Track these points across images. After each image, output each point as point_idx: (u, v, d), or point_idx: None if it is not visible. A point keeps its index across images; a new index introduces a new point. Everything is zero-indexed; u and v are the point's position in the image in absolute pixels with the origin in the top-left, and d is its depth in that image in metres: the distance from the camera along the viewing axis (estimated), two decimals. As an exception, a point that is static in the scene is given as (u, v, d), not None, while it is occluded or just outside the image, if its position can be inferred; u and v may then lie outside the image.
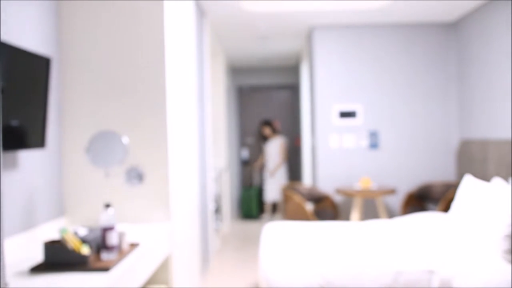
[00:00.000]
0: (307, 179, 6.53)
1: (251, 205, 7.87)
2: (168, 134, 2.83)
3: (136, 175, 2.47)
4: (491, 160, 4.34)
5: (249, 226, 7.22)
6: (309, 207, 5.27)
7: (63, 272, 1.87)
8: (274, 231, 3.77)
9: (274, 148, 7.72)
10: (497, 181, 3.54)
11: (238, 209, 8.41)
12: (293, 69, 8.38)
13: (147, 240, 2.41)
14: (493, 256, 2.98)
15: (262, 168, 8.21)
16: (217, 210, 5.60)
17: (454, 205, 3.84)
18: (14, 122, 2.09)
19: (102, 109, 2.82)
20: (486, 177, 4.38)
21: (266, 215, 7.85)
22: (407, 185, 5.34)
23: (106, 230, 2.03)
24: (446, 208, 4.56)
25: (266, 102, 8.72)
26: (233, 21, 5.15)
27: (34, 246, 2.30)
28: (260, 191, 8.11)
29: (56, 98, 2.74)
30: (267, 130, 7.85)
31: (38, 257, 2.10)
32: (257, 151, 8.51)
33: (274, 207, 8.07)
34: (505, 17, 4.13)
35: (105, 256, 2.03)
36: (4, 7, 2.12)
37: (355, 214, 4.89)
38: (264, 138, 8.05)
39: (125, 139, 2.36)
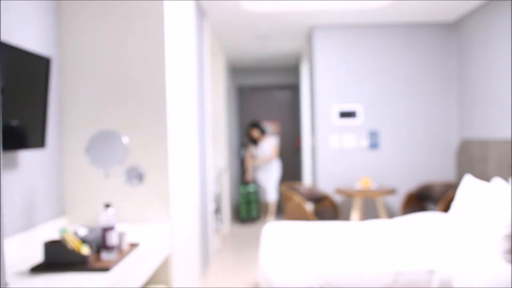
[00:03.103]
0: (307, 179, 6.53)
1: (251, 205, 7.39)
2: (168, 134, 2.83)
3: (136, 175, 2.47)
4: (491, 160, 4.34)
5: (249, 226, 7.21)
6: (309, 207, 5.27)
7: (63, 272, 1.87)
8: (274, 231, 3.77)
9: (266, 150, 7.13)
10: (497, 181, 3.54)
11: (236, 211, 7.99)
12: (293, 69, 8.38)
13: (147, 240, 2.41)
14: (493, 256, 2.98)
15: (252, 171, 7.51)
16: (217, 210, 5.59)
17: (454, 205, 3.83)
18: (14, 122, 2.09)
19: (102, 109, 2.82)
20: (486, 177, 4.38)
21: (269, 217, 7.21)
22: (407, 185, 5.34)
23: (106, 230, 2.03)
24: (446, 208, 4.56)
25: (266, 102, 8.73)
26: (233, 21, 5.15)
27: (34, 246, 2.30)
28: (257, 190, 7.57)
29: (56, 98, 2.74)
30: (255, 133, 7.21)
31: (38, 257, 2.10)
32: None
33: (278, 208, 7.80)
34: (505, 17, 4.13)
35: (105, 256, 2.03)
36: (4, 7, 2.12)
37: (355, 214, 4.89)
38: (253, 141, 7.31)
39: (125, 139, 2.36)
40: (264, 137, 7.21)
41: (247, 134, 7.42)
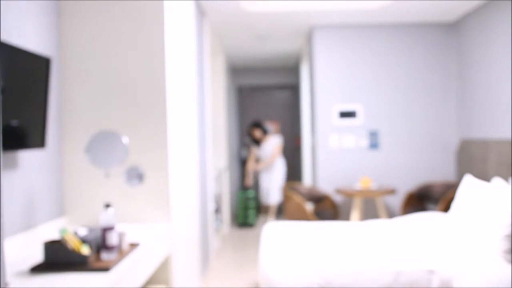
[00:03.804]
0: (307, 179, 6.53)
1: (248, 211, 7.11)
2: (168, 134, 2.82)
3: (136, 175, 2.46)
4: (491, 160, 4.33)
5: (248, 229, 7.20)
6: (309, 207, 5.27)
7: (63, 272, 1.87)
8: (274, 231, 3.77)
9: (270, 151, 6.87)
10: (497, 181, 3.54)
11: (235, 216, 7.80)
12: (293, 69, 8.38)
13: (147, 240, 2.41)
14: (493, 256, 2.98)
15: (255, 173, 7.33)
16: (217, 210, 5.59)
17: (454, 205, 3.84)
18: (14, 122, 2.09)
19: (102, 109, 2.82)
20: (486, 177, 4.38)
21: (269, 218, 7.01)
22: (407, 185, 5.34)
23: (106, 230, 2.03)
24: (446, 208, 4.56)
25: (266, 102, 8.72)
26: (233, 21, 5.15)
27: (34, 246, 2.30)
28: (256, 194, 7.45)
29: (56, 98, 2.74)
30: (257, 133, 6.91)
31: (38, 257, 2.10)
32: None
33: (278, 210, 7.65)
34: (505, 17, 4.13)
35: (105, 256, 2.03)
36: (4, 7, 2.12)
37: (355, 214, 4.89)
38: (255, 142, 7.01)
39: (125, 139, 2.36)
40: (267, 137, 6.92)
41: (249, 134, 7.15)
